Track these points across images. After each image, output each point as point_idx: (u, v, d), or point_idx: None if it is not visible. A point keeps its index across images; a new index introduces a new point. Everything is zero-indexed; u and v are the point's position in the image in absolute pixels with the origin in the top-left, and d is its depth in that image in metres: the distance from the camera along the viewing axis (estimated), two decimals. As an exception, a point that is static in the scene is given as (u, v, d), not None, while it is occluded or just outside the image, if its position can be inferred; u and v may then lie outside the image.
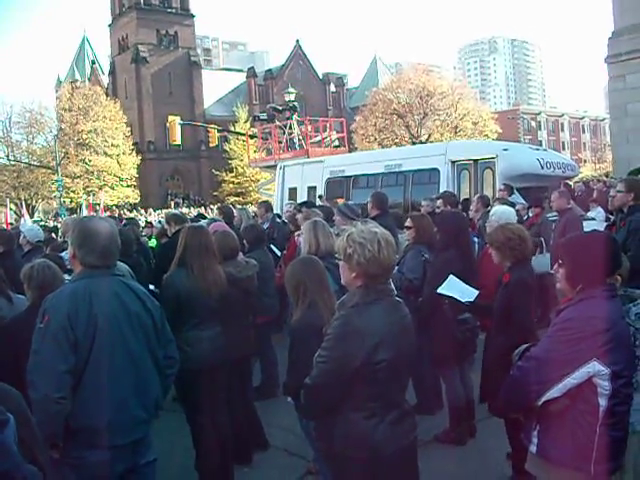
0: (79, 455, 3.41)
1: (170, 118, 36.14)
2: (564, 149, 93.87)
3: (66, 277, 4.92)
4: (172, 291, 5.18)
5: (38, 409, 3.27)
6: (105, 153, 61.16)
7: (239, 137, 60.42)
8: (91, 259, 3.59)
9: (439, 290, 5.60)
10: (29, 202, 57.18)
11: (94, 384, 3.42)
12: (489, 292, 5.45)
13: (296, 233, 8.75)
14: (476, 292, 5.52)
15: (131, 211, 49.62)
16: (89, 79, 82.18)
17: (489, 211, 9.68)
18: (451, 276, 5.65)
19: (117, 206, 54.87)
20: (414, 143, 56.58)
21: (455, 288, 5.57)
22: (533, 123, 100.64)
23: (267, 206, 11.89)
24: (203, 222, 9.08)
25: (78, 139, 60.33)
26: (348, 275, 3.37)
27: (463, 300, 5.50)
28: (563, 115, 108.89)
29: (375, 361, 3.20)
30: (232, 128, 59.97)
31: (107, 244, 3.64)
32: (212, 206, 50.67)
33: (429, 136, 60.89)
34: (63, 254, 7.42)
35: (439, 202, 10.01)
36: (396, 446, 3.32)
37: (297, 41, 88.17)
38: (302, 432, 5.09)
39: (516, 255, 5.20)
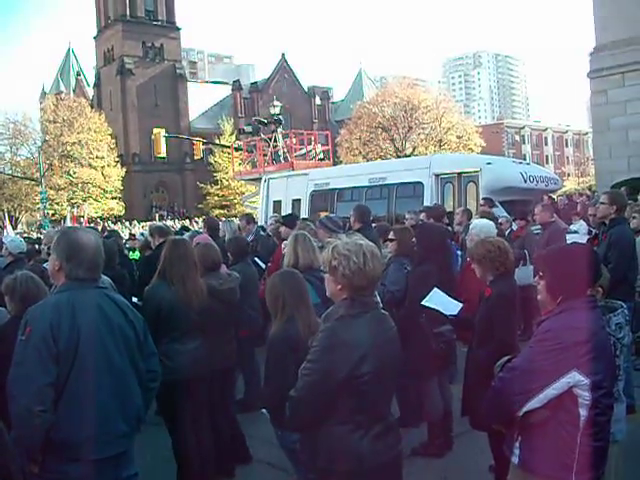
0: (59, 469, 3.36)
1: (155, 131, 36.21)
2: (548, 163, 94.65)
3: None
4: (153, 304, 5.18)
5: (18, 422, 3.24)
6: (90, 165, 61.02)
7: (224, 150, 60.52)
8: (79, 272, 3.56)
9: (423, 302, 5.61)
10: (12, 214, 56.87)
11: (76, 397, 3.38)
12: (472, 306, 5.46)
13: (283, 244, 8.74)
14: (460, 305, 5.53)
15: (115, 223, 49.45)
16: (74, 91, 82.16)
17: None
18: (435, 289, 5.66)
19: (101, 218, 54.65)
20: (399, 156, 56.85)
21: (439, 301, 5.58)
22: (517, 137, 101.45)
23: (249, 218, 11.89)
24: (186, 235, 9.08)
25: (62, 151, 60.15)
26: (333, 287, 3.38)
27: (447, 313, 5.50)
28: (547, 129, 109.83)
29: (360, 374, 3.20)
30: (217, 141, 60.16)
31: (94, 257, 3.62)
32: (197, 219, 50.63)
33: (414, 149, 61.15)
34: (45, 265, 7.42)
35: (422, 215, 10.04)
36: (381, 459, 3.32)
37: (283, 54, 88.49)
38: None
39: (497, 267, 5.21)
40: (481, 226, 6.76)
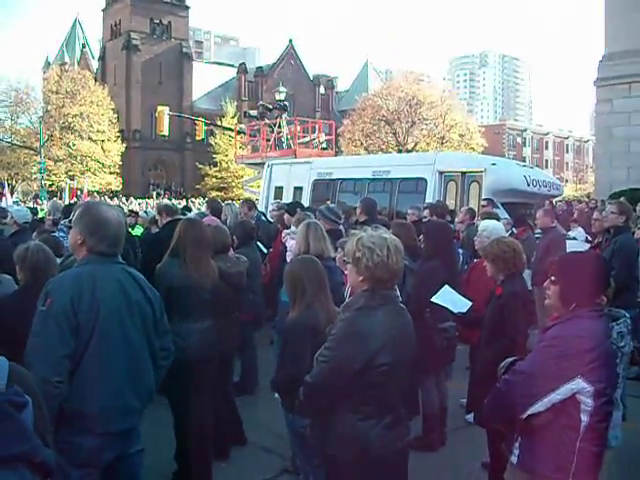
0: (70, 440, 3.40)
1: (159, 108, 36.12)
2: (547, 167, 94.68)
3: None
4: (164, 281, 5.19)
5: None
6: (90, 138, 60.64)
7: (225, 132, 60.29)
8: (102, 247, 3.60)
9: (433, 299, 5.67)
10: (9, 182, 56.59)
11: (91, 370, 3.42)
12: (478, 305, 5.54)
13: (284, 232, 8.78)
14: (469, 303, 5.61)
15: (112, 198, 49.25)
16: (78, 62, 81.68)
17: (474, 224, 9.81)
18: (445, 286, 5.74)
19: (98, 192, 54.46)
20: (400, 151, 56.84)
21: (449, 298, 5.65)
22: (519, 139, 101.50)
23: (250, 204, 11.93)
24: (191, 215, 9.13)
25: (63, 122, 59.81)
26: (355, 278, 3.43)
27: (455, 311, 5.58)
28: (548, 134, 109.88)
29: (376, 365, 3.27)
30: (219, 122, 59.86)
31: (117, 232, 3.66)
32: (194, 199, 50.55)
33: (415, 145, 61.10)
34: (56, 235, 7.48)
35: (426, 212, 10.09)
36: (390, 449, 3.38)
37: (290, 40, 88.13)
38: (281, 430, 5.14)
39: (509, 268, 5.30)
40: (492, 228, 6.83)
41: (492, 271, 5.39)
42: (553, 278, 3.43)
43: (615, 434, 4.30)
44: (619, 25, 24.03)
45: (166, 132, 36.91)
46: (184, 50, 78.72)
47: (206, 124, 44.35)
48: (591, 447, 3.22)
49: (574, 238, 11.25)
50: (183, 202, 42.04)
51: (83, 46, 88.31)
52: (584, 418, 3.18)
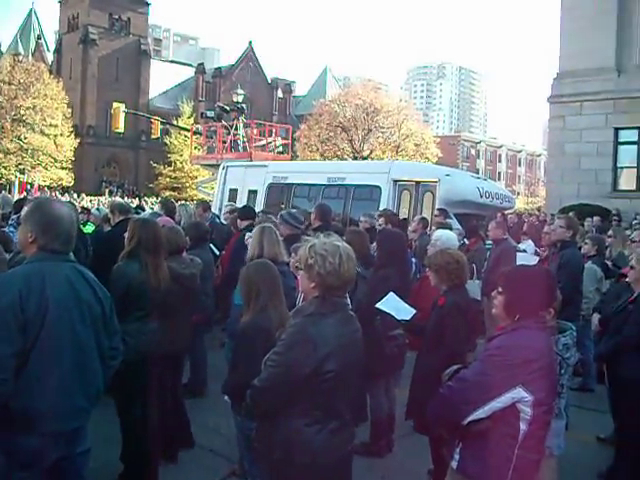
0: (14, 440, 3.35)
1: (115, 105, 35.58)
2: (500, 179, 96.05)
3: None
4: (123, 282, 5.16)
5: None
6: (42, 132, 59.47)
7: (181, 132, 59.86)
8: (54, 245, 3.56)
9: (377, 305, 5.69)
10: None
11: (38, 368, 3.37)
12: (426, 314, 5.60)
13: (246, 235, 8.79)
14: (413, 311, 5.65)
15: (63, 194, 48.47)
16: (33, 54, 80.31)
17: (427, 233, 9.93)
18: (390, 293, 5.76)
19: (49, 187, 53.56)
20: (355, 158, 57.11)
21: (393, 305, 5.67)
22: (473, 151, 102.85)
23: (205, 206, 11.90)
24: (146, 214, 9.07)
25: (15, 114, 58.58)
26: (307, 285, 3.47)
27: (399, 318, 5.61)
28: (502, 146, 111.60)
29: (324, 371, 3.31)
30: (175, 122, 59.41)
31: (69, 230, 3.62)
32: (147, 198, 50.04)
33: (371, 152, 61.41)
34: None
35: (381, 220, 10.16)
36: (334, 454, 3.43)
37: (250, 42, 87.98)
38: (230, 432, 5.15)
39: (453, 279, 5.39)
40: (446, 238, 6.93)
41: (435, 281, 5.48)
42: (500, 289, 3.53)
43: (559, 443, 4.43)
44: (573, 44, 24.58)
45: (121, 129, 36.44)
46: (142, 47, 77.99)
47: (162, 123, 43.89)
48: (529, 455, 3.31)
49: (524, 250, 11.43)
50: (136, 201, 41.62)
51: (38, 37, 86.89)
52: (523, 426, 3.26)
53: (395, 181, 15.46)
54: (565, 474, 4.83)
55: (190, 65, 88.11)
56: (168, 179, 67.66)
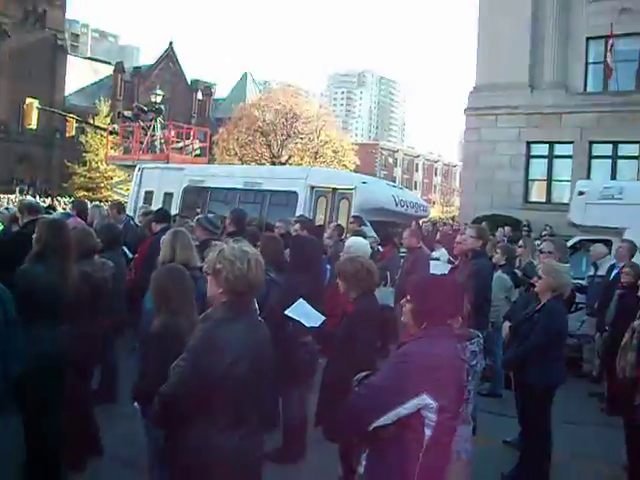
0: None
1: (28, 100, 34.52)
2: (416, 188, 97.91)
3: None
4: (26, 285, 4.99)
5: None
6: (-51, 126, 57.38)
7: (97, 131, 58.58)
8: None
9: (287, 312, 5.70)
10: None
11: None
12: (336, 321, 5.63)
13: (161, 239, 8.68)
14: (322, 318, 5.66)
15: (-30, 192, 46.83)
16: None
17: (342, 240, 10.02)
18: (300, 300, 5.77)
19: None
20: (274, 163, 57.04)
21: (302, 312, 5.67)
22: (390, 160, 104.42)
23: (120, 207, 11.71)
24: (56, 215, 8.84)
25: None
26: (215, 290, 3.46)
27: (308, 325, 5.62)
28: (419, 156, 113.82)
29: (232, 376, 3.29)
30: (91, 121, 58.14)
31: None
32: (60, 197, 48.76)
33: (289, 158, 61.43)
34: None
35: (296, 226, 10.19)
36: (244, 461, 3.41)
37: (170, 43, 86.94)
38: (140, 440, 5.04)
39: (362, 287, 5.45)
40: (358, 245, 7.01)
41: (345, 289, 5.52)
42: (408, 297, 3.59)
43: (466, 447, 4.53)
44: (489, 58, 25.32)
45: (34, 126, 35.43)
46: (59, 42, 75.77)
47: (78, 121, 42.91)
48: (434, 460, 3.35)
49: (438, 259, 11.66)
50: (48, 200, 40.46)
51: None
52: (428, 432, 3.30)
53: (312, 187, 15.59)
54: (472, 477, 4.94)
55: (108, 63, 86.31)
56: (83, 179, 65.99)
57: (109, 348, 7.68)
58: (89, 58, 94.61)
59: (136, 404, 4.29)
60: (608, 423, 7.28)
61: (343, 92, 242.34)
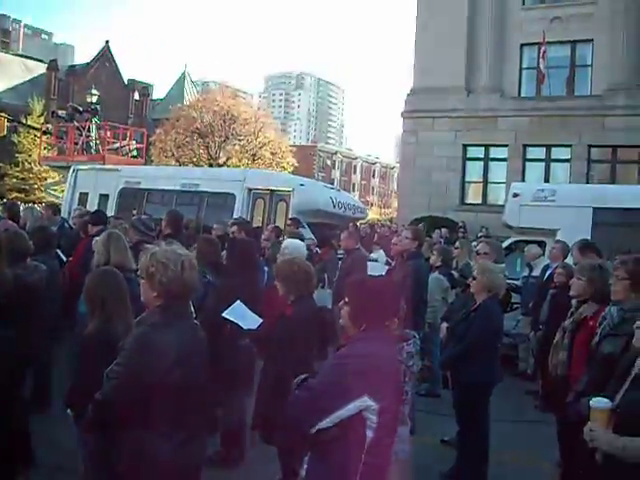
0: None
1: (-44, 99, 33.60)
2: (354, 190, 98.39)
3: None
4: None
5: None
6: None
7: (30, 131, 57.32)
8: None
9: (224, 314, 5.66)
10: None
11: None
12: (274, 323, 5.61)
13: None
14: (259, 320, 5.64)
15: None
16: None
17: (280, 242, 9.99)
18: (237, 302, 5.74)
19: None
20: (211, 165, 56.69)
21: (239, 314, 5.65)
22: (328, 161, 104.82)
23: (55, 209, 11.48)
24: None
25: None
26: (149, 294, 3.40)
27: (245, 327, 5.60)
28: (357, 158, 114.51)
29: (168, 381, 3.24)
30: (24, 120, 56.88)
31: None
32: (-10, 199, 47.52)
33: (227, 159, 61.11)
34: None
35: (234, 228, 10.13)
36: (183, 466, 3.37)
37: (107, 42, 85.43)
38: (74, 446, 4.92)
39: (300, 289, 5.43)
40: (294, 247, 7.00)
41: (283, 290, 5.50)
42: (346, 299, 3.59)
43: (404, 448, 4.56)
44: (426, 61, 25.69)
45: (-38, 125, 34.53)
46: (-12, 38, 73.98)
47: (9, 120, 41.96)
48: (376, 461, 3.36)
49: (376, 260, 11.74)
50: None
51: None
52: (369, 434, 3.31)
53: (249, 189, 15.57)
54: (411, 477, 4.96)
55: (42, 61, 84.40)
56: (15, 180, 64.39)
57: (43, 353, 7.47)
58: (21, 55, 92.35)
59: (69, 410, 4.18)
60: (543, 420, 7.40)
61: (282, 94, 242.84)
